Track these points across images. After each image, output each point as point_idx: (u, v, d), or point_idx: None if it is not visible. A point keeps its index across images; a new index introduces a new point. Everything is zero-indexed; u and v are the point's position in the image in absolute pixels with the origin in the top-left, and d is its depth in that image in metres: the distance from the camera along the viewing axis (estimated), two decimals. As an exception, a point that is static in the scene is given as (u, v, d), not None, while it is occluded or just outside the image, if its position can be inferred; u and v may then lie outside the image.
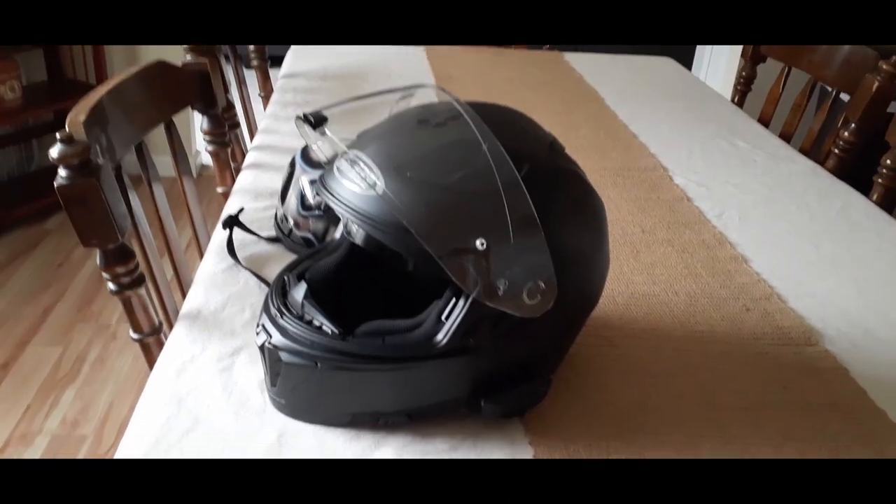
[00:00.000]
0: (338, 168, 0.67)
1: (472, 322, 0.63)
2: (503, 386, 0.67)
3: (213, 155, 1.26)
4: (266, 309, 0.71)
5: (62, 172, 0.76)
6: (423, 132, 0.68)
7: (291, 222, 0.99)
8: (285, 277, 0.74)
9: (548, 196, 0.64)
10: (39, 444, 1.76)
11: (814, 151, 1.48)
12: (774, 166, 1.34)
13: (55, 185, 0.76)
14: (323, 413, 0.69)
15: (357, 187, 0.64)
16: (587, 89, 1.73)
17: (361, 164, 0.64)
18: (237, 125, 1.41)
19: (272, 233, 1.03)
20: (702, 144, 1.43)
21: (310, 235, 0.97)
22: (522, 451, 0.68)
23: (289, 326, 0.67)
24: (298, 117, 0.66)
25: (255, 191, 1.16)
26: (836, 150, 1.41)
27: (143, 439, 0.67)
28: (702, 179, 1.27)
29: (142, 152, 1.06)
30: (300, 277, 0.73)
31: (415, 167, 0.63)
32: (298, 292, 0.70)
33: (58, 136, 0.76)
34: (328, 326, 0.66)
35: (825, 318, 0.90)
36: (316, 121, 0.65)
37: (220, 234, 1.02)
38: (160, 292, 1.04)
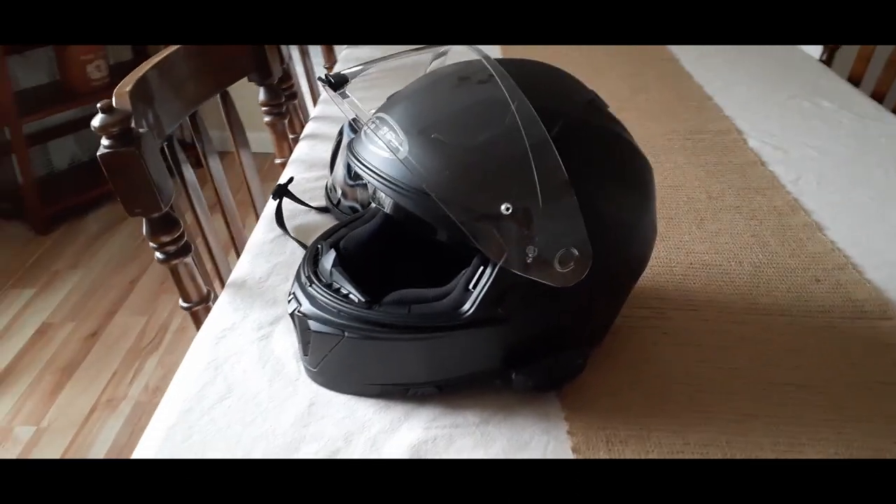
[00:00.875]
0: (365, 132, 0.65)
1: (499, 291, 0.60)
2: (536, 358, 0.64)
3: (271, 126, 1.27)
4: (297, 277, 0.70)
5: (104, 141, 0.77)
6: (449, 93, 0.64)
7: (339, 192, 0.98)
8: (318, 246, 0.72)
9: (583, 157, 0.60)
10: (124, 409, 1.84)
11: (909, 111, 1.36)
12: (861, 127, 1.24)
13: (97, 155, 0.77)
14: (353, 383, 0.68)
15: (383, 151, 0.62)
16: (661, 48, 1.65)
17: (385, 128, 0.62)
18: (294, 96, 1.41)
19: (323, 203, 1.02)
20: (782, 105, 1.33)
21: (357, 205, 0.96)
22: (557, 426, 0.64)
23: (317, 295, 0.66)
24: (320, 78, 0.64)
25: (309, 161, 1.16)
26: (934, 109, 1.29)
27: (177, 406, 0.68)
28: (779, 142, 1.19)
29: (196, 124, 1.07)
30: (333, 246, 0.72)
31: (439, 128, 0.60)
32: (328, 260, 0.69)
33: (98, 106, 0.76)
34: (355, 295, 0.65)
35: (906, 289, 0.82)
36: (337, 82, 0.62)
37: (271, 205, 1.02)
38: (216, 262, 1.05)
